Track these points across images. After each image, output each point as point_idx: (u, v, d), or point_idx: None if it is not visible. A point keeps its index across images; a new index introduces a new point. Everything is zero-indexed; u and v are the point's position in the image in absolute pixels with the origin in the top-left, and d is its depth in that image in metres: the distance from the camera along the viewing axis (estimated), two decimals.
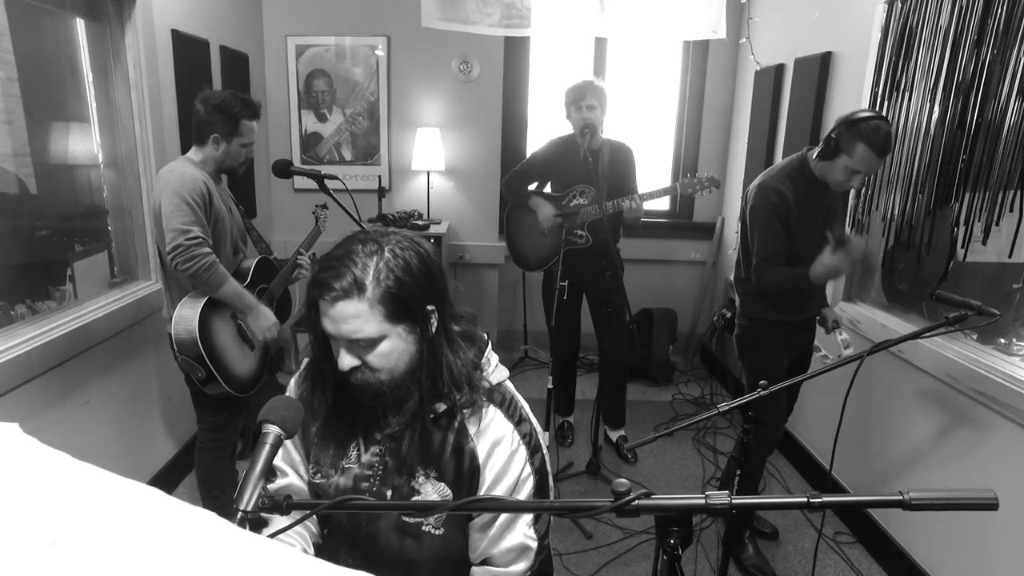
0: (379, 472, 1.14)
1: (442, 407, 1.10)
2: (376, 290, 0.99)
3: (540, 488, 1.14)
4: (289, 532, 1.21)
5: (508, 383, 1.20)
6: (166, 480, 2.82)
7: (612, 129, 3.00)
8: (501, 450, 1.10)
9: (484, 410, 1.11)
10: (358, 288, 0.99)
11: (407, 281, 1.01)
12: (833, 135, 2.06)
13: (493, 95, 4.11)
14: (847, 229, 2.74)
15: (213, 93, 2.15)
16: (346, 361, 1.03)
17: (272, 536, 0.89)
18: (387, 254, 1.01)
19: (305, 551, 1.22)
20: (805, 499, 0.69)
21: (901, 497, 0.67)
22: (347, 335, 1.01)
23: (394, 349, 1.04)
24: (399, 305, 1.01)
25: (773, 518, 2.74)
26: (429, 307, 1.05)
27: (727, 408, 1.54)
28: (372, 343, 1.02)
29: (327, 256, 1.05)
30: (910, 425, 2.39)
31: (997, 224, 2.06)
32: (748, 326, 2.44)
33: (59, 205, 2.56)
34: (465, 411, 1.10)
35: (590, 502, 0.76)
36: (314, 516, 1.26)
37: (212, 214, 2.11)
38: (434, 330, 1.07)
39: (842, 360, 1.78)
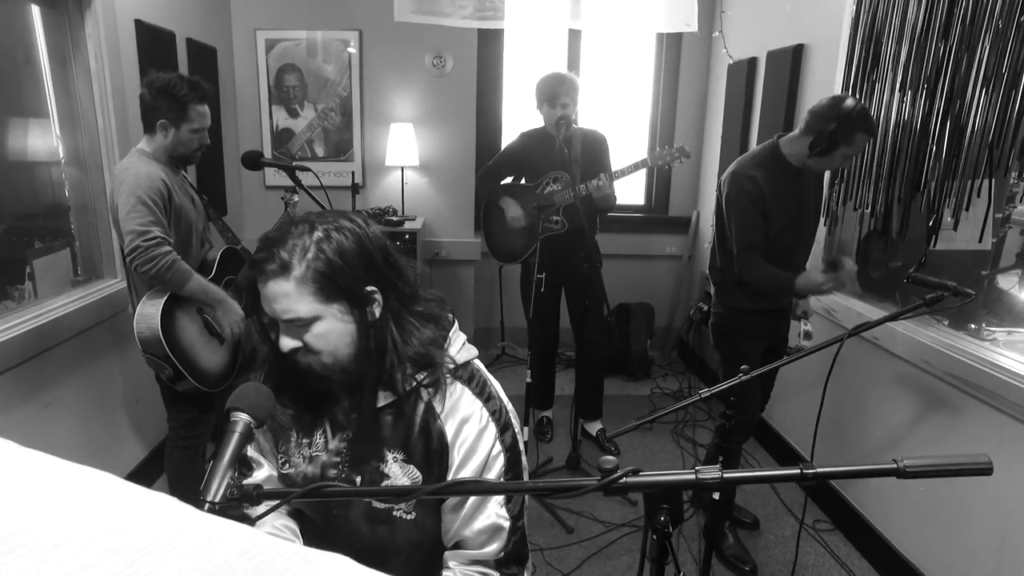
0: (347, 459, 1.12)
1: (393, 395, 1.07)
2: (302, 268, 0.98)
3: (512, 465, 1.10)
4: (280, 528, 1.17)
5: (477, 362, 1.17)
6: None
7: (587, 122, 2.98)
8: (470, 428, 1.07)
9: (450, 388, 1.09)
10: (283, 267, 0.98)
11: (336, 261, 0.99)
12: (829, 132, 2.06)
13: (467, 89, 4.07)
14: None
15: (158, 76, 2.02)
16: (285, 343, 1.02)
17: (252, 523, 0.85)
18: (319, 233, 1.00)
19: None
20: (798, 471, 0.68)
21: (895, 465, 0.65)
22: (279, 315, 1.01)
23: (331, 330, 1.02)
24: (328, 284, 0.99)
25: (753, 508, 2.75)
26: (369, 288, 1.03)
27: (708, 394, 1.53)
28: (306, 323, 1.01)
29: (263, 236, 1.04)
30: (887, 410, 2.42)
31: (966, 209, 2.10)
32: (723, 314, 2.45)
33: (18, 202, 2.46)
34: (430, 390, 1.08)
35: (577, 481, 0.73)
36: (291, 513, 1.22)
37: (173, 211, 2.04)
38: (378, 312, 1.04)
39: (817, 346, 1.78)
